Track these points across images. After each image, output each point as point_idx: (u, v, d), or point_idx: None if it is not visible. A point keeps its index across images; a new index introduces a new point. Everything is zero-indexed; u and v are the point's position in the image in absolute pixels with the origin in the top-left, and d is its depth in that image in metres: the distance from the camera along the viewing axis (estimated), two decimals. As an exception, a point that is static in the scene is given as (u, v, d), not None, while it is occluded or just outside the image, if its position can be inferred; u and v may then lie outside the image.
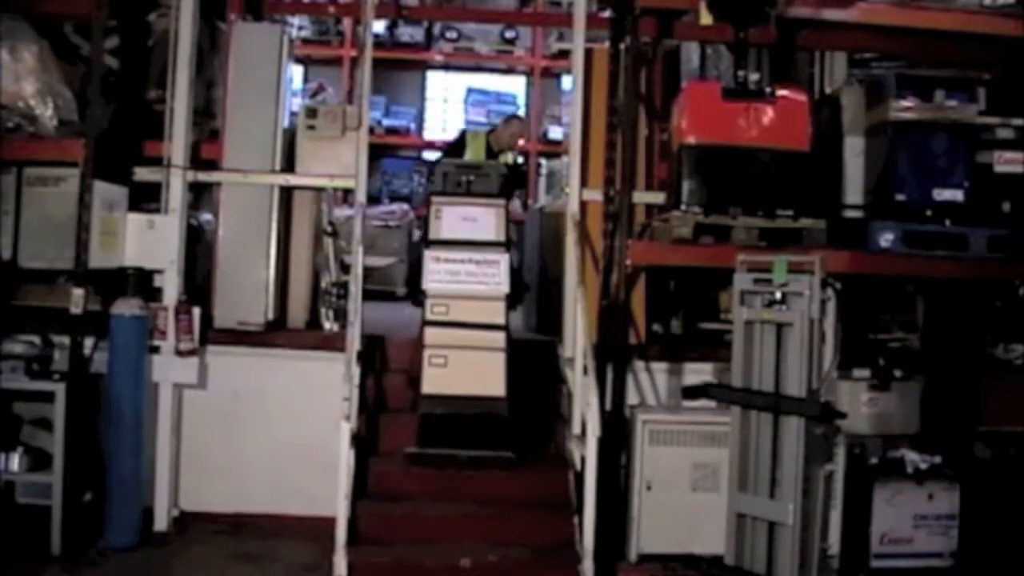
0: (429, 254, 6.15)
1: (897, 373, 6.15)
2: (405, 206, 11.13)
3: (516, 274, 6.93)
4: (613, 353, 6.06)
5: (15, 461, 5.80)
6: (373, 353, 6.55)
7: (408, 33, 12.13)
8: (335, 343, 6.17)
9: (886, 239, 6.11)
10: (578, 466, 5.78)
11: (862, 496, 5.85)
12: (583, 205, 6.55)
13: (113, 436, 5.90)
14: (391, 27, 11.85)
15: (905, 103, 6.17)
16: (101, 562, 5.64)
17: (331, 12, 9.28)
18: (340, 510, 5.28)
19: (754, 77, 6.43)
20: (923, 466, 5.94)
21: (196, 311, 6.26)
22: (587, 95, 6.56)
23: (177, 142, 6.35)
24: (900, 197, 6.18)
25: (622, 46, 6.35)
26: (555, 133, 11.99)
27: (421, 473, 5.95)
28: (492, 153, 8.02)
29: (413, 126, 12.57)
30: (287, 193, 6.72)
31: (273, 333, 6.55)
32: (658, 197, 6.54)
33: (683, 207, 5.91)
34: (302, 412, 6.33)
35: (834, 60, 7.25)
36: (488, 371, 5.97)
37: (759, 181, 5.91)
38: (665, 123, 6.57)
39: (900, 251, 6.11)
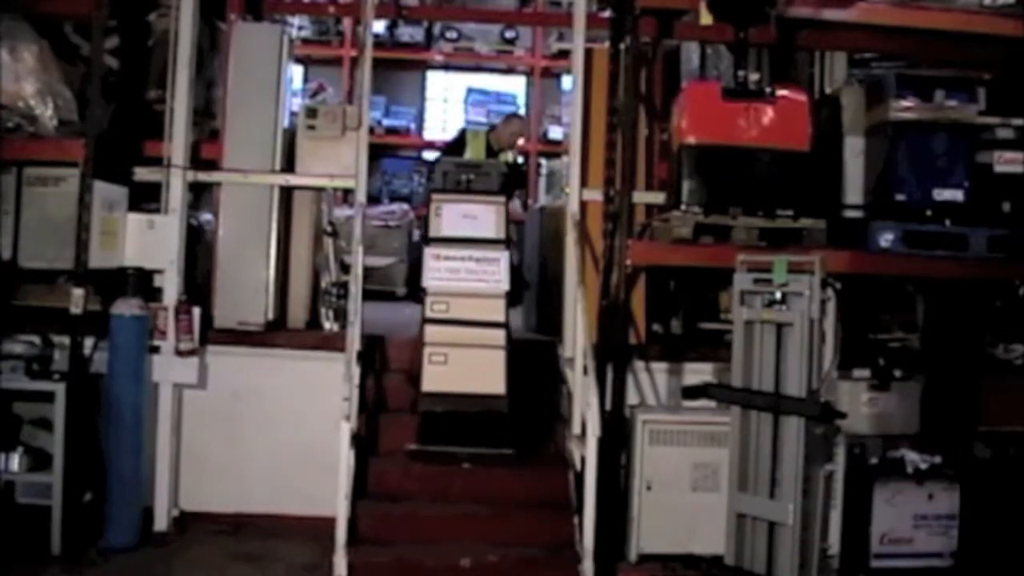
0: (429, 252, 6.15)
1: (897, 373, 6.15)
2: (405, 206, 11.13)
3: (516, 271, 6.92)
4: (613, 353, 6.06)
5: (15, 461, 5.80)
6: (373, 353, 6.55)
7: (408, 33, 12.13)
8: (335, 343, 6.17)
9: (886, 239, 6.11)
10: (578, 466, 5.78)
11: (862, 496, 5.85)
12: (583, 205, 6.55)
13: (113, 436, 5.90)
14: (391, 27, 11.85)
15: (905, 103, 6.17)
16: (101, 562, 5.64)
17: (331, 12, 9.28)
18: (340, 510, 5.28)
19: (754, 77, 6.43)
20: (923, 466, 5.94)
21: (196, 311, 6.26)
22: (587, 95, 6.56)
23: (177, 142, 6.35)
24: (900, 197, 6.18)
25: (622, 46, 6.36)
26: (555, 133, 11.98)
27: (421, 473, 5.95)
28: (492, 152, 8.02)
29: (413, 126, 12.57)
30: (287, 193, 6.72)
31: (273, 333, 6.55)
32: (658, 197, 6.54)
33: (683, 207, 5.91)
34: (302, 412, 6.33)
35: (834, 60, 7.25)
36: (488, 369, 5.97)
37: (759, 181, 5.91)
38: (665, 123, 6.57)
39: (900, 251, 6.11)
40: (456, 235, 6.16)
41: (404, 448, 5.98)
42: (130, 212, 6.30)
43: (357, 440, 5.56)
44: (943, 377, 6.35)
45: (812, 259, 5.22)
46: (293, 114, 7.09)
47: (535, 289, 7.93)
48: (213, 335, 6.41)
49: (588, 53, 6.62)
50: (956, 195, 6.18)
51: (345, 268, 6.70)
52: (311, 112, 6.70)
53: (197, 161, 6.57)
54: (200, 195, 6.92)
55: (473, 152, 7.96)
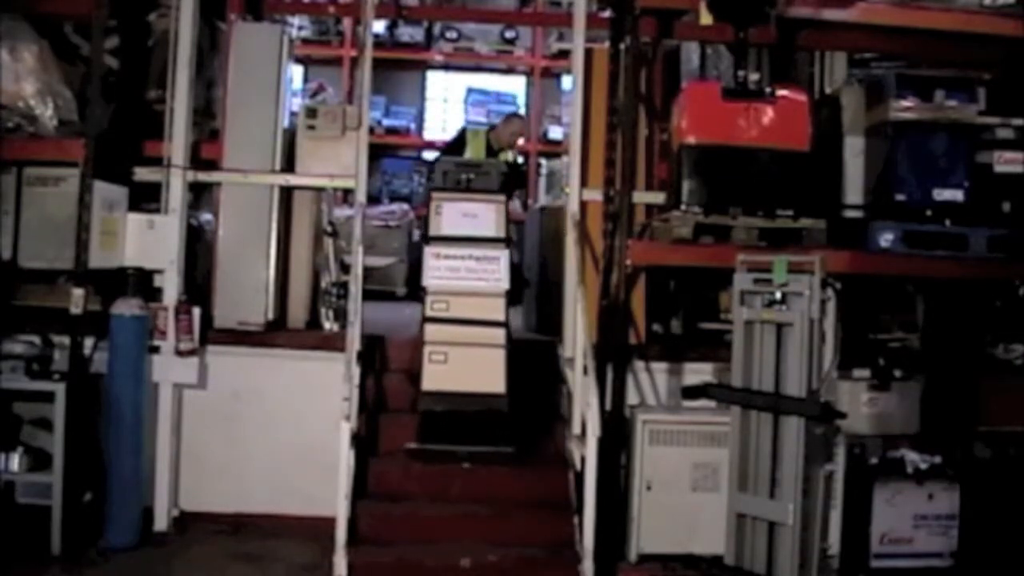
0: (429, 250, 6.15)
1: (897, 373, 6.15)
2: (405, 206, 11.12)
3: (516, 269, 6.92)
4: (613, 353, 6.06)
5: (15, 461, 5.80)
6: (373, 353, 6.55)
7: (408, 33, 12.12)
8: (335, 343, 6.17)
9: (886, 239, 6.11)
10: (578, 466, 5.78)
11: (862, 496, 5.85)
12: (583, 205, 6.55)
13: (113, 436, 5.90)
14: (391, 27, 11.85)
15: (905, 103, 6.17)
16: (101, 562, 5.63)
17: (331, 12, 9.28)
18: (340, 510, 5.28)
19: (754, 77, 6.44)
20: (923, 466, 5.94)
21: (196, 311, 6.26)
22: (587, 95, 6.56)
23: (177, 142, 6.35)
24: (900, 197, 6.18)
25: (622, 46, 6.36)
26: (555, 133, 11.98)
27: (421, 473, 5.95)
28: (492, 151, 8.02)
29: (413, 126, 12.57)
30: (287, 193, 6.72)
31: (273, 333, 6.55)
32: (658, 197, 6.54)
33: (683, 207, 5.91)
34: (302, 412, 6.33)
35: (834, 60, 7.25)
36: (488, 367, 5.97)
37: (759, 181, 5.91)
38: (665, 123, 6.57)
39: (900, 251, 6.11)
40: (456, 234, 6.15)
41: (404, 447, 5.98)
42: (130, 212, 6.30)
43: (357, 440, 5.56)
44: (943, 377, 6.34)
45: (812, 259, 5.22)
46: (293, 114, 7.09)
47: (535, 289, 7.93)
48: (213, 335, 6.41)
49: (588, 53, 6.62)
50: (956, 195, 6.18)
51: (345, 268, 6.70)
52: (311, 112, 6.70)
53: (197, 161, 6.57)
54: (200, 195, 6.92)
55: (473, 151, 7.96)
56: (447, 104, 12.99)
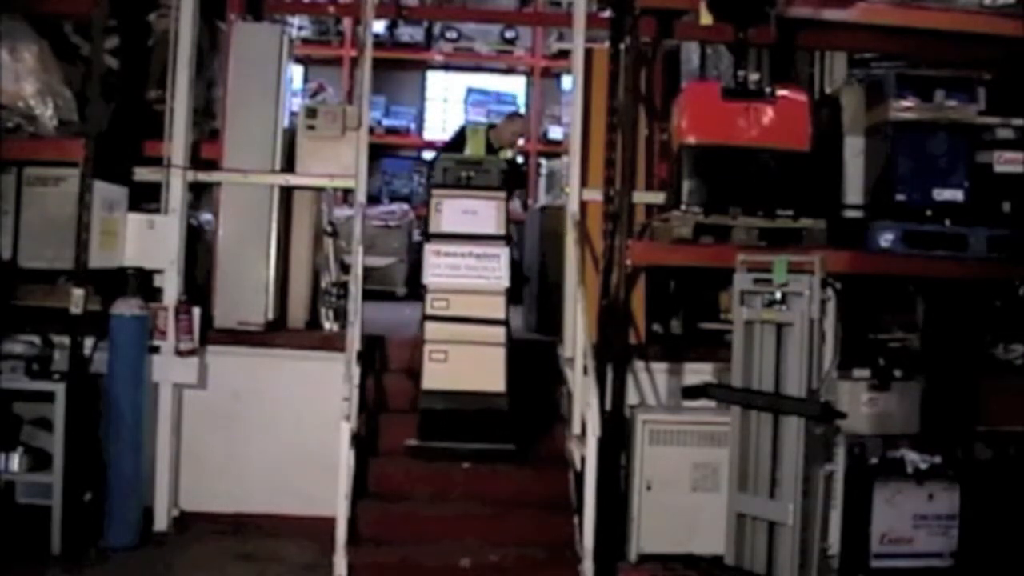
0: (429, 248, 6.14)
1: (897, 373, 6.15)
2: (405, 206, 11.13)
3: (516, 266, 6.92)
4: (613, 353, 6.06)
5: (15, 461, 5.80)
6: (373, 353, 6.55)
7: (408, 33, 12.13)
8: (335, 343, 6.17)
9: (886, 239, 6.11)
10: (578, 466, 5.78)
11: (862, 496, 5.85)
12: (583, 205, 6.55)
13: (113, 436, 5.90)
14: (391, 27, 11.85)
15: (905, 103, 6.17)
16: (101, 562, 5.64)
17: (331, 12, 9.29)
18: (340, 510, 5.28)
19: (754, 77, 6.44)
20: (923, 466, 5.94)
21: (196, 311, 6.26)
22: (587, 95, 6.56)
23: (177, 142, 6.35)
24: (900, 197, 6.18)
25: (622, 46, 6.36)
26: (555, 133, 11.99)
27: (421, 473, 5.95)
28: (492, 150, 8.01)
29: (413, 126, 12.57)
30: (287, 193, 6.72)
31: (273, 333, 6.55)
32: (658, 197, 6.54)
33: (683, 207, 5.91)
34: (302, 412, 6.33)
35: (834, 60, 7.25)
36: (488, 366, 5.97)
37: (759, 181, 5.91)
38: (665, 123, 6.58)
39: (900, 251, 6.11)
40: (456, 231, 6.14)
41: (404, 443, 5.97)
42: (130, 212, 6.30)
43: (357, 440, 5.57)
44: (943, 377, 6.34)
45: (812, 259, 5.22)
46: (293, 114, 7.09)
47: (535, 289, 7.93)
48: (213, 335, 6.41)
49: (588, 53, 6.62)
50: (956, 195, 6.18)
51: (345, 268, 6.70)
52: (311, 112, 6.70)
53: (197, 161, 6.57)
54: (200, 195, 6.91)
55: (473, 149, 7.94)
56: (447, 104, 13.00)
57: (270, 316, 6.58)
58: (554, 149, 11.72)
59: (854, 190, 6.50)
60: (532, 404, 6.30)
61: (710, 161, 5.93)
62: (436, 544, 5.59)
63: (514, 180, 7.62)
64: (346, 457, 5.30)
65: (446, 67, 12.95)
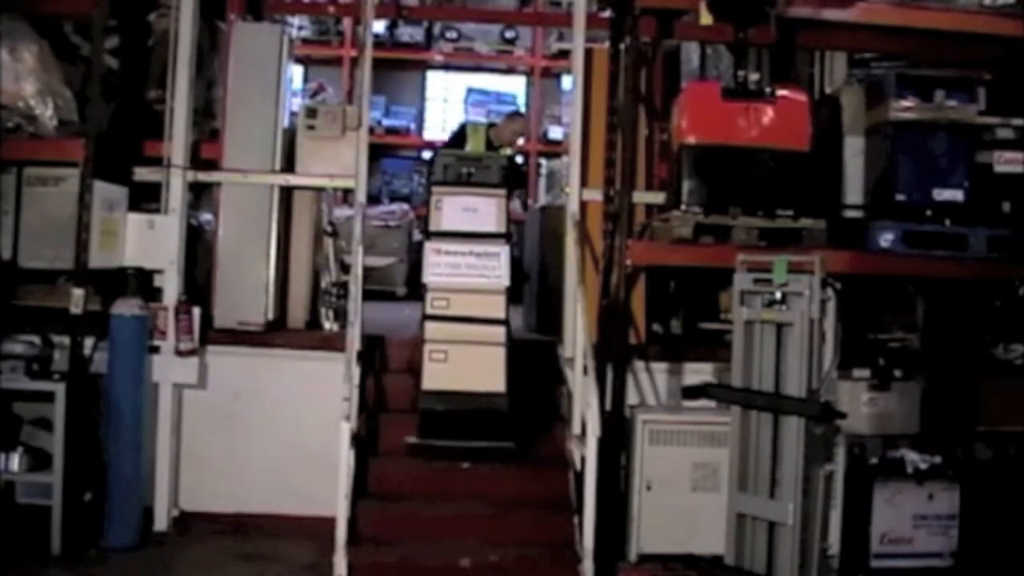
0: (429, 246, 6.13)
1: (897, 373, 6.15)
2: (405, 206, 11.13)
3: (516, 263, 6.91)
4: (613, 353, 6.06)
5: (15, 461, 5.80)
6: (373, 353, 6.55)
7: (408, 33, 12.13)
8: (335, 343, 6.17)
9: (886, 239, 6.11)
10: (578, 466, 5.78)
11: (862, 496, 5.85)
12: (583, 205, 6.55)
13: (113, 436, 5.90)
14: (391, 27, 11.86)
15: (905, 103, 6.17)
16: (101, 562, 5.64)
17: (331, 12, 9.29)
18: (340, 510, 5.28)
19: (754, 77, 6.44)
20: (923, 466, 5.94)
21: (196, 311, 6.26)
22: (587, 95, 6.56)
23: (177, 142, 6.35)
24: (900, 197, 6.18)
25: (622, 46, 6.36)
26: (555, 133, 11.99)
27: (421, 473, 5.95)
28: (492, 148, 7.98)
29: (413, 126, 12.58)
30: (287, 193, 6.72)
31: (273, 333, 6.55)
32: (658, 197, 6.54)
33: (683, 207, 5.91)
34: (302, 412, 6.33)
35: (834, 60, 7.25)
36: (488, 366, 5.96)
37: (759, 181, 5.91)
38: (665, 123, 6.57)
39: (900, 251, 6.11)
40: (456, 229, 6.13)
41: (404, 441, 5.96)
42: (130, 212, 6.30)
43: (357, 440, 5.56)
44: (943, 377, 6.34)
45: (812, 259, 5.22)
46: (293, 114, 7.09)
47: (535, 289, 7.93)
48: (213, 335, 6.41)
49: (588, 53, 6.62)
50: (956, 195, 6.18)
51: (345, 268, 6.70)
52: (311, 112, 6.70)
53: (197, 161, 6.57)
54: (200, 195, 6.91)
55: (473, 147, 7.91)
56: (447, 104, 13.01)
57: (270, 316, 6.58)
58: (554, 149, 11.72)
59: (854, 190, 6.50)
60: (532, 404, 6.30)
61: (710, 161, 5.92)
62: (436, 544, 5.59)
63: (514, 179, 7.62)
64: (346, 457, 5.30)
65: (446, 67, 12.95)
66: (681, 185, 5.94)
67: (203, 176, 6.58)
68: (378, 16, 8.15)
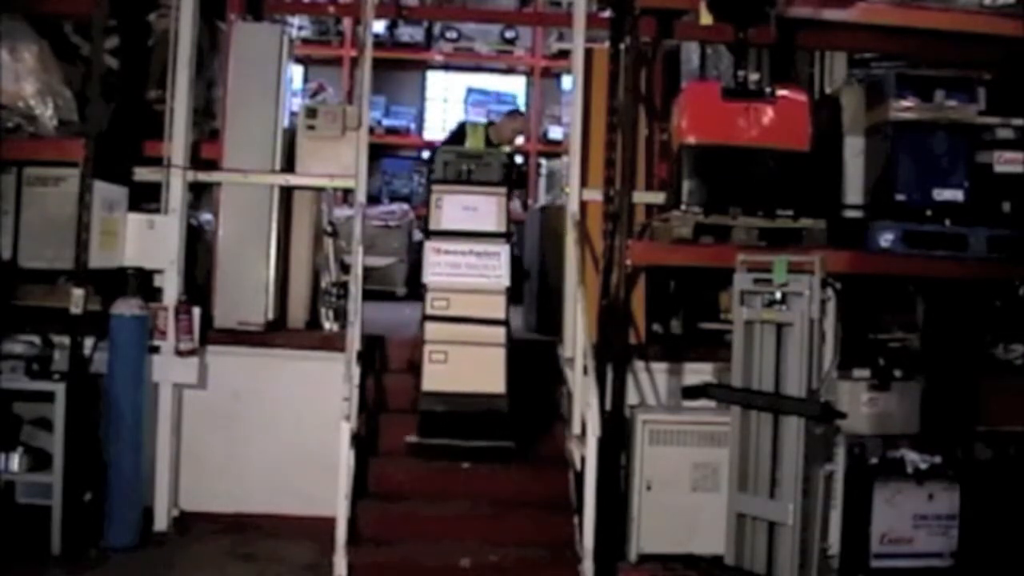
0: (430, 245, 6.12)
1: (897, 373, 6.15)
2: (405, 206, 11.13)
3: (517, 261, 6.89)
4: (613, 353, 6.06)
5: (15, 461, 5.80)
6: (373, 353, 6.55)
7: (408, 33, 12.14)
8: (335, 343, 6.17)
9: (886, 239, 6.11)
10: (578, 466, 5.78)
11: (862, 496, 5.85)
12: (583, 205, 6.55)
13: (113, 436, 5.90)
14: (391, 27, 11.86)
15: (905, 103, 6.17)
16: (101, 562, 5.63)
17: (331, 12, 9.28)
18: (340, 510, 5.28)
19: (754, 77, 6.44)
20: (923, 466, 5.94)
21: (196, 311, 6.26)
22: (587, 95, 6.56)
23: (177, 142, 6.35)
24: (900, 197, 6.18)
25: (622, 46, 6.36)
26: (555, 133, 11.99)
27: (421, 473, 5.95)
28: (491, 146, 7.99)
29: (413, 126, 12.58)
30: (287, 193, 6.72)
31: (273, 333, 6.55)
32: (658, 197, 6.54)
33: (683, 207, 5.91)
34: (302, 412, 6.33)
35: (834, 60, 7.25)
36: (488, 367, 5.95)
37: (759, 181, 5.91)
38: (665, 123, 6.57)
39: (900, 251, 6.11)
40: (457, 228, 6.12)
41: (405, 440, 5.96)
42: (130, 212, 6.30)
43: (357, 440, 5.56)
44: (943, 377, 6.34)
45: (812, 259, 5.22)
46: (293, 114, 7.09)
47: (535, 289, 7.93)
48: (213, 335, 6.41)
49: (588, 53, 6.62)
50: (956, 195, 6.18)
51: (345, 268, 6.70)
52: (311, 112, 6.70)
53: (197, 161, 6.57)
54: (200, 195, 6.92)
55: (472, 144, 7.93)
56: (447, 104, 13.01)
57: (270, 316, 6.58)
58: (554, 149, 11.72)
59: (854, 190, 6.50)
60: (532, 404, 6.30)
61: (710, 161, 5.93)
62: (436, 544, 5.59)
63: (514, 177, 7.61)
64: (346, 457, 5.30)
65: (446, 67, 12.95)
66: (681, 185, 5.94)
67: (203, 176, 6.58)
68: (378, 16, 8.15)
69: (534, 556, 5.59)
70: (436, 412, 5.94)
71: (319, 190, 6.83)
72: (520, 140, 9.42)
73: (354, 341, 5.73)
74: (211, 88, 7.03)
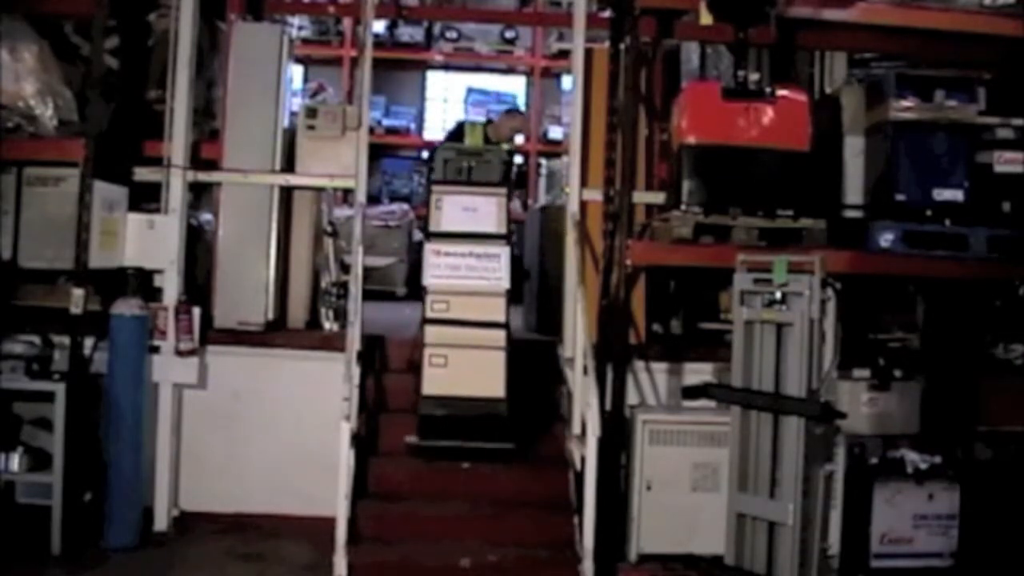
0: (429, 247, 6.11)
1: (897, 373, 6.14)
2: (405, 206, 11.14)
3: (517, 261, 6.88)
4: (613, 353, 6.06)
5: (15, 461, 5.79)
6: (373, 353, 6.55)
7: (408, 33, 12.14)
8: (335, 343, 6.17)
9: (886, 239, 6.11)
10: (578, 466, 5.78)
11: (862, 496, 5.85)
12: (583, 205, 6.55)
13: (113, 436, 5.90)
14: (391, 27, 11.86)
15: (905, 103, 6.17)
16: (101, 562, 5.63)
17: (331, 12, 9.28)
18: (340, 510, 5.27)
19: (754, 77, 6.44)
20: (923, 466, 5.93)
21: (196, 311, 6.26)
22: (587, 95, 6.56)
23: (177, 142, 6.35)
24: (900, 197, 6.19)
25: (622, 46, 6.36)
26: (555, 133, 11.99)
27: (421, 473, 5.95)
28: (490, 144, 7.99)
29: (413, 126, 12.58)
30: (287, 193, 6.72)
31: (273, 333, 6.55)
32: (658, 197, 6.54)
33: (683, 207, 5.91)
34: (302, 412, 6.33)
35: (834, 60, 7.26)
36: (488, 371, 5.94)
37: (759, 181, 5.92)
38: (665, 123, 6.58)
39: (900, 251, 6.11)
40: (457, 229, 6.11)
41: (405, 441, 5.96)
42: (130, 212, 6.30)
43: (357, 440, 5.56)
44: (943, 377, 6.34)
45: (812, 259, 5.22)
46: (293, 114, 7.09)
47: (535, 289, 7.93)
48: (213, 335, 6.41)
49: (588, 53, 6.62)
50: (956, 195, 6.18)
51: (345, 268, 6.70)
52: (311, 112, 6.70)
53: (197, 161, 6.57)
54: (200, 195, 6.92)
55: (471, 143, 7.93)
56: (447, 104, 13.02)
57: (270, 316, 6.58)
58: (554, 149, 11.72)
59: (854, 190, 6.50)
60: (532, 404, 6.30)
61: (710, 161, 5.93)
62: (436, 544, 5.59)
63: (513, 177, 7.61)
64: (346, 457, 5.30)
65: (446, 67, 12.96)
66: (681, 185, 5.94)
67: (203, 176, 6.58)
68: (378, 16, 8.15)
69: (534, 556, 5.58)
70: (436, 416, 5.93)
71: (319, 190, 6.83)
72: (520, 139, 9.42)
73: (354, 341, 5.73)
74: (211, 88, 7.03)
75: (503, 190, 6.28)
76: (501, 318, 6.03)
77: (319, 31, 12.08)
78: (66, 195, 5.94)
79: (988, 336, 6.86)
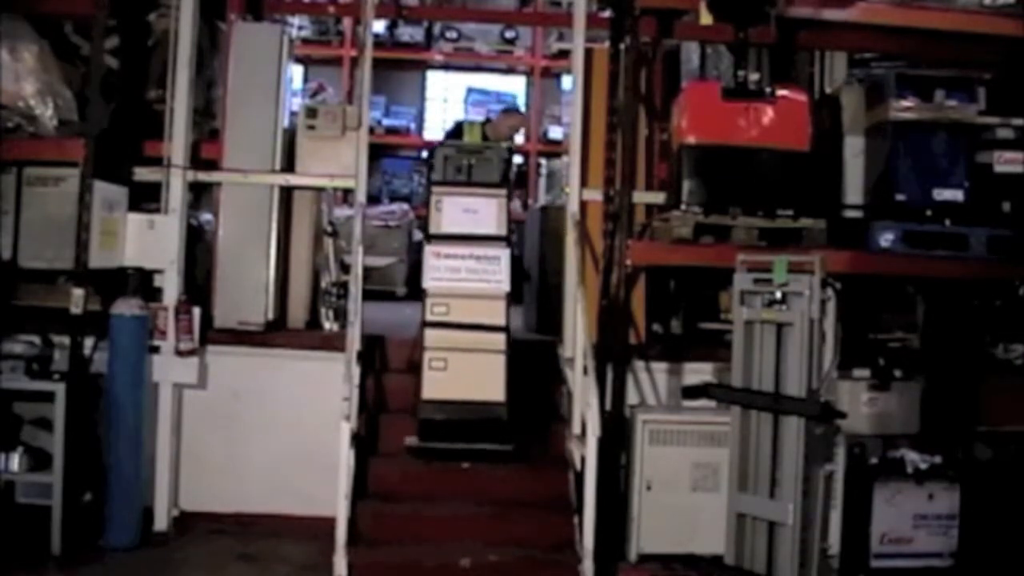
0: (429, 249, 6.09)
1: (897, 373, 6.14)
2: (405, 206, 11.14)
3: (517, 262, 6.88)
4: (613, 353, 6.06)
5: (15, 461, 5.79)
6: (373, 353, 6.55)
7: (408, 33, 12.14)
8: (335, 343, 6.17)
9: (886, 239, 6.11)
10: (578, 466, 5.78)
11: (862, 496, 5.85)
12: (583, 205, 6.55)
13: (113, 436, 5.90)
14: (391, 27, 11.86)
15: (905, 103, 6.17)
16: (101, 562, 5.63)
17: (331, 12, 9.28)
18: (340, 510, 5.27)
19: (754, 77, 6.43)
20: (923, 466, 5.93)
21: (196, 311, 6.25)
22: (587, 95, 6.56)
23: (177, 142, 6.35)
24: (900, 197, 6.18)
25: (622, 46, 6.36)
26: (555, 133, 11.99)
27: (421, 473, 5.95)
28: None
29: (413, 126, 12.58)
30: (287, 193, 6.72)
31: (273, 333, 6.55)
32: (658, 197, 6.54)
33: (683, 207, 5.91)
34: (302, 412, 6.33)
35: (834, 60, 7.25)
36: (488, 375, 5.92)
37: (759, 181, 5.92)
38: (665, 123, 6.58)
39: (900, 251, 6.11)
40: (457, 231, 6.10)
41: (405, 442, 5.96)
42: (130, 212, 6.30)
43: (357, 440, 5.56)
44: (943, 377, 6.34)
45: (812, 259, 5.22)
46: (293, 114, 7.09)
47: (535, 289, 7.92)
48: (213, 335, 6.41)
49: (588, 53, 6.62)
50: (956, 195, 6.18)
51: (345, 268, 6.70)
52: (311, 112, 6.70)
53: (197, 161, 6.57)
54: (200, 195, 6.92)
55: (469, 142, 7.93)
56: (447, 104, 13.01)
57: (270, 316, 6.58)
58: (554, 149, 11.72)
59: (854, 190, 6.50)
60: (532, 404, 6.29)
61: (710, 161, 5.93)
62: (436, 544, 5.59)
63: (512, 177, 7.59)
64: (346, 457, 5.30)
65: (446, 67, 12.96)
66: (681, 185, 5.94)
67: (203, 176, 6.58)
68: (378, 16, 8.15)
69: (534, 556, 5.58)
70: (435, 420, 5.92)
71: (319, 190, 6.83)
72: (520, 139, 9.42)
73: (354, 341, 5.73)
74: (211, 88, 7.03)
75: (503, 191, 6.26)
76: (501, 321, 6.02)
77: (319, 31, 12.08)
78: (66, 195, 5.94)
79: (988, 336, 6.86)
